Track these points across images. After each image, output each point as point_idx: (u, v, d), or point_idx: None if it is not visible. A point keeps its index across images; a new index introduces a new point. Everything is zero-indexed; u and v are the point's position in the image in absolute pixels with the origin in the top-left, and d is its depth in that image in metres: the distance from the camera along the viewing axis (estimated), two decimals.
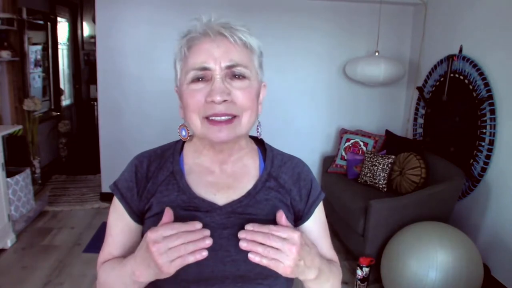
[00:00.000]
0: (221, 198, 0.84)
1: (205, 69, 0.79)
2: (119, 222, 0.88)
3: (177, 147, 0.91)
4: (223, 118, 0.79)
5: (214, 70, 0.79)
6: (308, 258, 0.76)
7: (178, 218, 0.75)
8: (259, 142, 0.95)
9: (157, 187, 0.85)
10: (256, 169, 0.89)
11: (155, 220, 0.80)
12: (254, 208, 0.84)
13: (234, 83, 0.80)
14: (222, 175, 0.87)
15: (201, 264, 0.74)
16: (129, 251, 0.86)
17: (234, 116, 0.80)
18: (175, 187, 0.84)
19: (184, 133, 0.87)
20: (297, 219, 0.90)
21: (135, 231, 0.88)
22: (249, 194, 0.85)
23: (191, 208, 0.82)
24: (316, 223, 0.93)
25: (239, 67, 0.80)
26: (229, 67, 0.79)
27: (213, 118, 0.79)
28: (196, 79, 0.80)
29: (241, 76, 0.81)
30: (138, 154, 0.93)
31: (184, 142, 0.92)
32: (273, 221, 0.78)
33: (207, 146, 0.86)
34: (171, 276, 0.74)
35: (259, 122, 0.89)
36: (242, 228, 0.76)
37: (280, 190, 0.88)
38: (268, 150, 0.93)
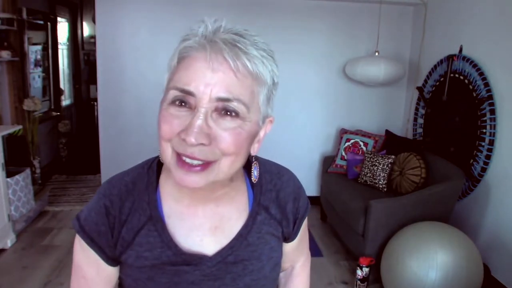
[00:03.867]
0: (209, 245, 0.73)
1: (189, 93, 0.61)
2: (92, 268, 0.73)
3: (151, 177, 0.74)
4: (194, 162, 0.62)
5: (200, 99, 0.61)
6: None
7: (165, 273, 0.70)
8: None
9: (134, 236, 0.71)
10: (245, 202, 0.77)
11: (139, 273, 0.71)
12: (246, 253, 0.75)
13: (221, 121, 0.62)
14: (206, 215, 0.73)
15: None
16: None
17: (210, 162, 0.63)
18: (157, 240, 0.71)
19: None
20: (286, 239, 0.84)
21: (113, 274, 0.75)
22: (240, 235, 0.74)
23: (178, 263, 0.71)
24: (297, 238, 0.87)
25: (235, 103, 0.62)
26: (221, 100, 0.61)
27: (184, 158, 0.62)
28: (177, 102, 0.63)
29: (233, 114, 0.62)
30: (105, 188, 0.73)
31: (158, 166, 0.76)
32: (264, 259, 0.76)
33: None
34: None
35: (255, 163, 0.75)
36: (238, 274, 0.72)
37: (271, 223, 0.78)
38: (255, 168, 0.78)
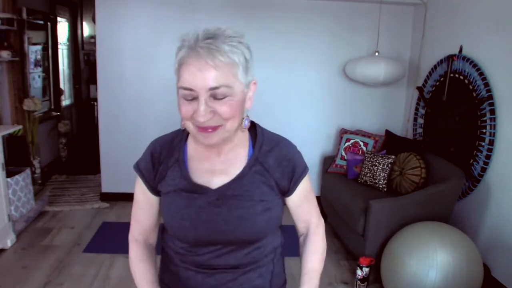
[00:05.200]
0: (214, 182, 1.02)
1: (190, 89, 0.89)
2: (143, 196, 1.10)
3: (183, 136, 1.08)
4: (209, 128, 0.92)
5: (199, 92, 0.88)
6: None
7: (182, 197, 1.01)
8: (253, 126, 1.09)
9: (167, 171, 1.05)
10: (245, 156, 1.04)
11: (167, 198, 1.04)
12: (241, 191, 1.01)
13: (216, 101, 0.90)
14: (217, 162, 1.03)
15: (198, 231, 1.01)
16: (152, 218, 1.12)
17: (218, 126, 0.92)
18: (178, 173, 1.03)
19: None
20: (284, 193, 1.08)
21: (155, 203, 1.10)
22: (237, 178, 1.02)
23: (190, 191, 1.02)
24: (298, 195, 1.10)
25: (221, 89, 0.88)
26: (211, 89, 0.88)
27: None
28: (186, 98, 0.91)
29: (222, 96, 0.89)
30: (154, 140, 1.12)
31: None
32: (256, 200, 1.01)
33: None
34: (177, 237, 1.05)
35: (247, 116, 1.01)
36: (233, 206, 0.99)
37: (264, 174, 1.03)
38: (259, 136, 1.06)
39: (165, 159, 1.06)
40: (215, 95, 0.89)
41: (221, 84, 0.88)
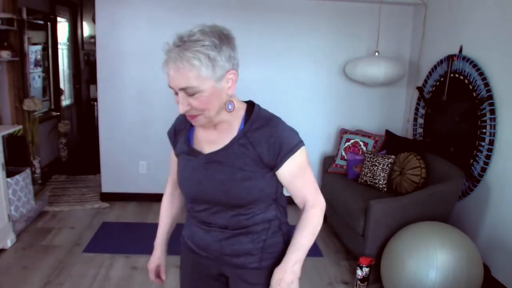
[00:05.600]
0: (208, 149, 1.22)
1: (171, 88, 1.10)
2: (172, 155, 1.38)
3: None
4: (189, 116, 1.14)
5: (176, 90, 1.09)
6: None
7: (183, 159, 1.27)
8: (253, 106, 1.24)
9: (179, 138, 1.31)
10: (236, 131, 1.19)
11: (178, 159, 1.31)
12: (224, 158, 1.18)
13: (190, 97, 1.08)
14: (213, 134, 1.22)
15: (191, 188, 1.24)
16: (175, 173, 1.37)
17: (196, 115, 1.12)
18: (183, 141, 1.28)
19: None
20: (272, 168, 1.18)
21: (176, 162, 1.35)
22: (224, 147, 1.19)
23: (189, 154, 1.25)
24: (289, 170, 1.18)
25: (189, 89, 1.06)
26: (181, 89, 1.07)
27: None
28: (174, 93, 1.12)
29: (191, 94, 1.07)
30: (178, 115, 1.32)
31: None
32: (236, 168, 1.16)
33: None
34: (182, 193, 1.34)
35: (230, 100, 1.16)
36: (217, 170, 1.18)
37: (248, 147, 1.17)
38: (253, 115, 1.19)
39: (180, 130, 1.32)
40: (187, 92, 1.07)
41: (187, 85, 1.06)
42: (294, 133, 1.20)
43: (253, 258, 1.25)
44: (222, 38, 1.08)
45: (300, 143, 1.18)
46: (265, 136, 1.16)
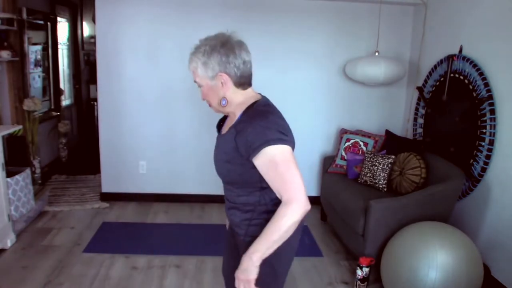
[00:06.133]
0: (223, 132, 1.47)
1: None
2: None
3: None
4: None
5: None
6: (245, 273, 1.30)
7: (216, 139, 1.51)
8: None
9: (222, 127, 1.56)
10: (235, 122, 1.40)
11: None
12: (221, 142, 1.44)
13: (199, 88, 1.44)
14: (227, 121, 1.49)
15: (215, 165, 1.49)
16: None
17: (209, 104, 1.47)
18: (217, 125, 1.59)
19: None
20: (247, 158, 1.33)
21: None
22: (224, 133, 1.42)
23: (217, 135, 1.53)
24: (259, 164, 1.31)
25: (197, 83, 1.42)
26: (195, 82, 1.43)
27: None
28: None
29: (199, 86, 1.43)
30: None
31: None
32: (223, 151, 1.40)
33: None
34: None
35: (223, 97, 1.41)
36: (217, 150, 1.46)
37: (233, 136, 1.34)
38: (250, 111, 1.37)
39: (223, 121, 1.59)
40: (197, 85, 1.43)
41: (195, 80, 1.42)
42: (269, 131, 1.28)
43: (241, 231, 1.45)
44: (217, 46, 1.34)
45: (270, 141, 1.27)
46: (245, 129, 1.30)
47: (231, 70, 1.35)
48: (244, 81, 1.40)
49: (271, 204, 1.39)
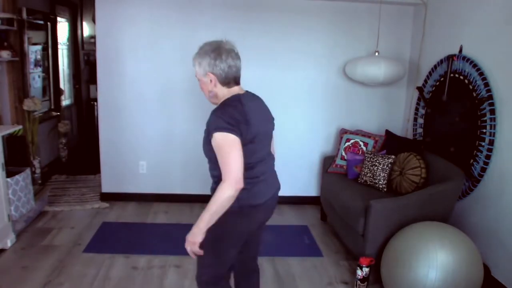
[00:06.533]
0: None
1: None
2: None
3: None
4: None
5: None
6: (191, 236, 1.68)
7: None
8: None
9: None
10: None
11: None
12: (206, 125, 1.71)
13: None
14: None
15: None
16: None
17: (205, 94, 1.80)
18: None
19: None
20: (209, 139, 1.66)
21: None
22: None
23: None
24: (213, 146, 1.63)
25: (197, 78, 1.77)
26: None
27: None
28: None
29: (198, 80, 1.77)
30: None
31: None
32: (205, 132, 1.69)
33: None
34: None
35: (211, 91, 1.74)
36: (205, 135, 1.71)
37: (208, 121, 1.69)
38: (220, 104, 1.72)
39: None
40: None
41: (196, 74, 1.76)
42: (221, 120, 1.60)
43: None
44: (209, 51, 1.67)
45: (217, 129, 1.59)
46: (210, 117, 1.66)
47: (218, 71, 1.67)
48: (229, 81, 1.71)
49: (245, 184, 1.64)
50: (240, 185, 1.57)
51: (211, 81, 1.69)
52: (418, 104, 3.72)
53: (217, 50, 1.65)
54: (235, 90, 1.73)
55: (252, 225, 1.82)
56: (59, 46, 5.14)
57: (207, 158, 1.75)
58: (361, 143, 3.56)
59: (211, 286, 1.86)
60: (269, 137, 1.85)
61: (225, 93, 1.71)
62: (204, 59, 1.67)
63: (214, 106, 1.73)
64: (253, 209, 1.74)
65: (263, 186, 1.77)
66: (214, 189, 1.71)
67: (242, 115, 1.63)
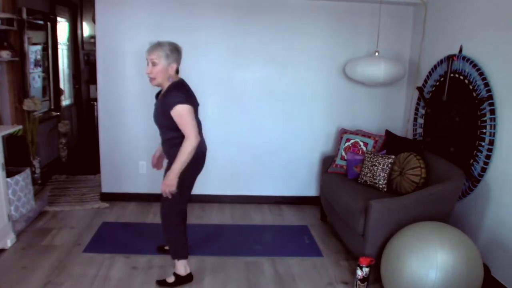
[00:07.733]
0: (160, 98, 2.43)
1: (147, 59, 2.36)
2: None
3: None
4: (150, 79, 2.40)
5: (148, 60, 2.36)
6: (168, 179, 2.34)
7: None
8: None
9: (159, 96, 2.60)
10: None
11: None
12: (160, 103, 2.39)
13: (152, 66, 2.35)
14: (163, 92, 2.41)
15: (154, 119, 2.51)
16: None
17: (153, 78, 2.37)
18: (156, 96, 2.65)
19: None
20: (169, 114, 2.30)
21: None
22: (160, 98, 2.41)
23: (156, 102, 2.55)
24: (174, 116, 2.28)
25: (152, 62, 2.33)
26: (150, 59, 2.34)
27: None
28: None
29: (154, 63, 2.33)
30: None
31: None
32: (159, 107, 2.40)
33: None
34: None
35: (170, 77, 2.38)
36: (157, 108, 2.44)
37: (163, 99, 2.35)
38: (172, 86, 2.38)
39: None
40: (151, 61, 2.33)
41: (152, 59, 2.32)
42: (177, 97, 2.27)
43: (169, 156, 2.46)
44: (175, 48, 2.36)
45: (177, 103, 2.25)
46: (168, 95, 2.31)
47: (179, 63, 2.40)
48: (177, 71, 2.42)
49: (181, 140, 2.30)
50: (198, 138, 2.29)
51: (171, 69, 2.34)
52: (418, 104, 3.72)
53: (178, 49, 2.38)
54: (177, 77, 2.44)
55: (200, 170, 2.54)
56: (59, 46, 5.14)
57: (160, 126, 2.43)
58: (361, 143, 3.56)
59: (178, 216, 2.56)
60: (197, 109, 2.51)
61: (175, 78, 2.39)
62: (173, 54, 2.32)
63: (158, 88, 2.48)
64: (202, 156, 2.51)
65: (202, 141, 2.50)
66: (170, 150, 2.41)
67: (189, 93, 2.40)
